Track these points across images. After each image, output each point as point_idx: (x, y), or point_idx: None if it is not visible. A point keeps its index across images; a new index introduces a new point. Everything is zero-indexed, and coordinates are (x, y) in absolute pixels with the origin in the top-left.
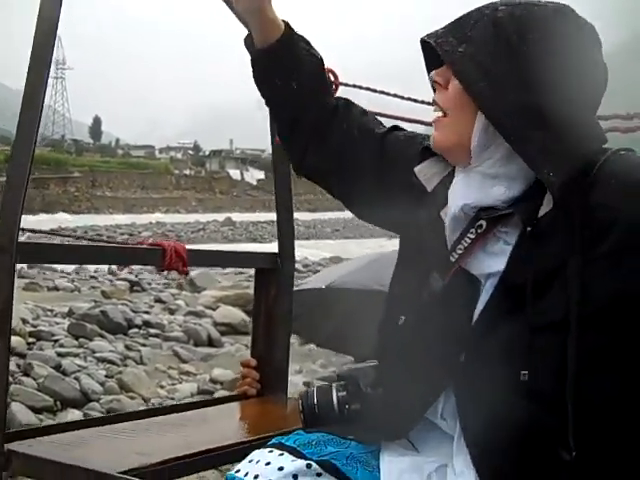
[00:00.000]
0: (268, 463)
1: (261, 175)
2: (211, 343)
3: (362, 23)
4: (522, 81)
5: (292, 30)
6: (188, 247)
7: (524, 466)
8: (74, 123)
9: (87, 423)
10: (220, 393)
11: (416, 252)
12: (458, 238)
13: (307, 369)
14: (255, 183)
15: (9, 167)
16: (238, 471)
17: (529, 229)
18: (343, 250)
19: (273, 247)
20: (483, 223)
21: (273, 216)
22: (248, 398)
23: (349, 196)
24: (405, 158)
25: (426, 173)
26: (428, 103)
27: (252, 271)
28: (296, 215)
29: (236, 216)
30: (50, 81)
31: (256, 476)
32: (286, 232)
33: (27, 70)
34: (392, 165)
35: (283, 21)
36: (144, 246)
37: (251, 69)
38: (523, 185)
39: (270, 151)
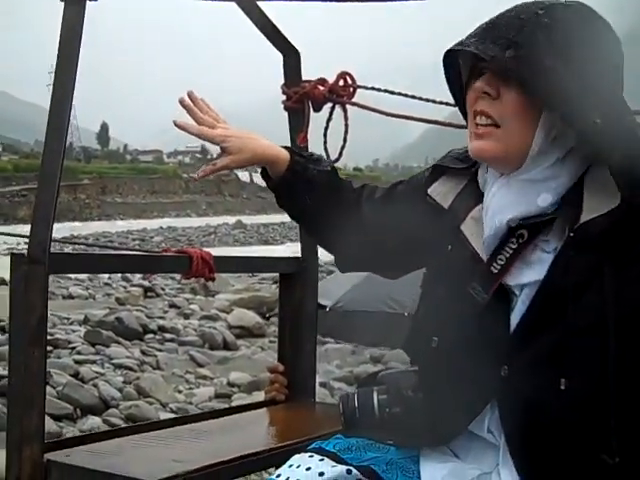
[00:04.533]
0: (308, 468)
1: None
2: (226, 346)
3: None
4: (582, 80)
5: (296, 155)
6: (214, 254)
7: (568, 473)
8: (81, 130)
9: (121, 432)
10: (238, 396)
11: (444, 270)
12: (497, 248)
13: (323, 370)
14: (264, 185)
15: (39, 179)
16: (279, 476)
17: (571, 235)
18: None
19: (285, 249)
20: (524, 233)
21: (284, 218)
22: (277, 403)
23: (391, 268)
24: (414, 196)
25: (440, 192)
26: (433, 101)
27: (265, 274)
28: None
29: (246, 219)
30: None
31: None
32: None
33: (52, 85)
34: (405, 214)
35: (285, 147)
36: (171, 254)
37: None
38: (564, 190)
39: None
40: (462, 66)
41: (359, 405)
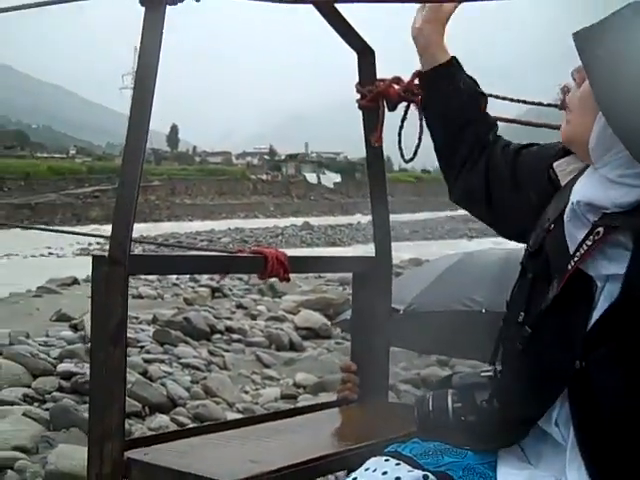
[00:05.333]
0: (385, 472)
1: (338, 178)
2: (293, 347)
3: None
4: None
5: (457, 61)
6: (289, 254)
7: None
8: (152, 132)
9: (198, 430)
10: (303, 397)
11: (539, 247)
12: (578, 246)
13: (390, 372)
14: (332, 186)
15: (120, 182)
16: (355, 479)
17: None
18: (422, 252)
19: (352, 250)
20: (600, 230)
21: (351, 219)
22: (349, 403)
23: (497, 218)
24: (538, 166)
25: (564, 168)
26: (538, 104)
27: (330, 275)
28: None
29: (314, 220)
30: (128, 92)
31: None
32: (382, 234)
33: (133, 90)
34: (527, 173)
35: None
36: (246, 254)
37: (421, 88)
38: None
39: (345, 154)
40: None
41: (433, 408)
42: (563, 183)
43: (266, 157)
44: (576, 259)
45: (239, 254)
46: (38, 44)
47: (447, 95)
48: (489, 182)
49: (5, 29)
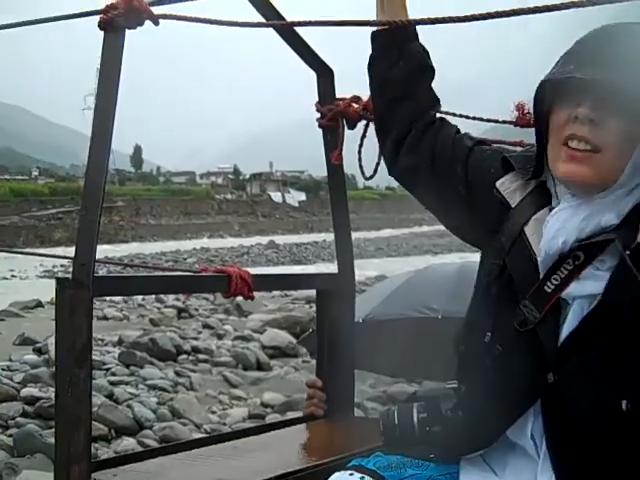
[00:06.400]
0: None
1: (302, 197)
2: (260, 367)
3: None
4: None
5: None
6: (252, 273)
7: None
8: (115, 153)
9: (165, 450)
10: (272, 417)
11: (500, 269)
12: (552, 267)
13: (357, 389)
14: (297, 205)
15: (82, 203)
16: None
17: (628, 253)
18: (388, 269)
19: (317, 268)
20: (581, 255)
21: (316, 237)
22: (316, 419)
23: (437, 203)
24: (488, 172)
25: (508, 187)
26: (495, 121)
27: (296, 293)
28: None
29: (279, 239)
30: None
31: None
32: (345, 252)
33: (94, 111)
34: (478, 177)
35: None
36: (210, 274)
37: (371, 47)
38: (627, 212)
39: (309, 172)
40: (547, 92)
41: (399, 422)
42: (511, 202)
43: (230, 177)
44: (554, 284)
45: (203, 273)
46: None
47: (395, 59)
48: (435, 168)
49: None
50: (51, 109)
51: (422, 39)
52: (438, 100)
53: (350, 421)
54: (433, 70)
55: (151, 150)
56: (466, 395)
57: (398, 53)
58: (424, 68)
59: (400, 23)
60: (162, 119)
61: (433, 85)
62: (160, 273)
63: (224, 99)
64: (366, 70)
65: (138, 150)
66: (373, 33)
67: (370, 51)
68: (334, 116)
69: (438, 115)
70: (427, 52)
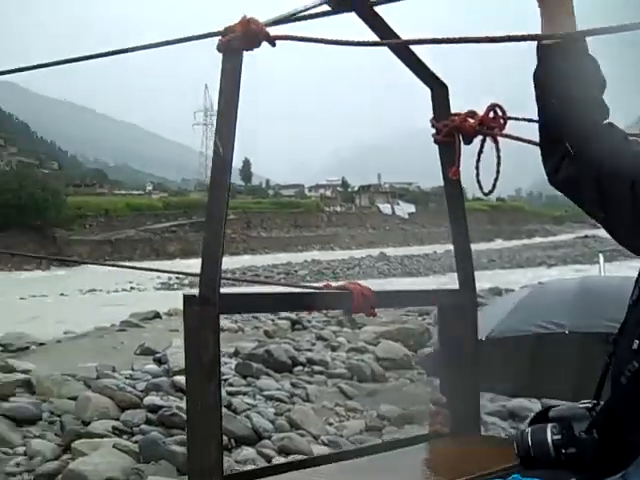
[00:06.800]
0: None
1: (412, 208)
2: (375, 379)
3: None
4: None
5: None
6: (374, 289)
7: None
8: None
9: (292, 465)
10: (389, 429)
11: None
12: None
13: None
14: (406, 217)
15: (206, 220)
16: None
17: None
18: (501, 280)
19: (430, 281)
20: None
21: (427, 249)
22: (440, 437)
23: (603, 212)
24: None
25: None
26: None
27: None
28: (448, 246)
29: (389, 250)
30: (200, 128)
31: None
32: (465, 267)
33: (215, 130)
34: None
35: None
36: (332, 290)
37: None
38: None
39: (418, 184)
40: None
41: (533, 444)
42: None
43: (339, 189)
44: None
45: (326, 290)
46: (113, 86)
47: (570, 72)
48: (602, 178)
49: (90, 76)
50: (163, 126)
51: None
52: (608, 110)
53: (477, 439)
54: (605, 80)
55: (260, 163)
56: (604, 411)
57: (574, 63)
58: (598, 78)
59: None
60: (270, 132)
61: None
62: (282, 290)
63: (331, 111)
64: (533, 76)
65: (247, 164)
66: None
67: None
68: (450, 131)
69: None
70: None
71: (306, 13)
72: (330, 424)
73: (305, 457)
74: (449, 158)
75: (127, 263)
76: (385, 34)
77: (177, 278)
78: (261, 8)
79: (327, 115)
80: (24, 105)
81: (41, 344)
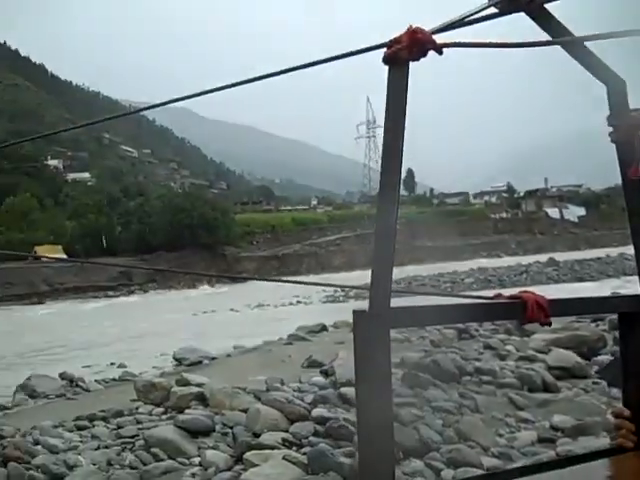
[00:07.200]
0: None
1: (582, 212)
2: (546, 388)
3: None
4: None
5: None
6: (541, 294)
7: None
8: None
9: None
10: (563, 441)
11: None
12: None
13: None
14: (576, 220)
15: (375, 235)
16: None
17: None
18: None
19: (601, 285)
20: None
21: (598, 253)
22: (625, 451)
23: None
24: None
25: None
26: None
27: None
28: (621, 249)
29: (559, 256)
30: (362, 140)
31: None
32: None
33: (383, 143)
34: None
35: None
36: (503, 300)
37: None
38: None
39: (587, 186)
40: None
41: None
42: None
43: (504, 195)
44: None
45: (496, 301)
46: (273, 104)
47: None
48: None
49: (253, 97)
50: (327, 140)
51: None
52: None
53: None
54: None
55: (423, 172)
56: None
57: None
58: None
59: None
60: (433, 140)
61: None
62: (451, 301)
63: (495, 115)
64: None
65: (410, 173)
66: None
67: None
68: (629, 129)
69: None
70: None
71: (471, 18)
72: (500, 435)
73: (480, 474)
74: (628, 157)
75: (293, 278)
76: (557, 32)
77: (342, 291)
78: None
79: (491, 119)
80: (195, 129)
81: (213, 358)
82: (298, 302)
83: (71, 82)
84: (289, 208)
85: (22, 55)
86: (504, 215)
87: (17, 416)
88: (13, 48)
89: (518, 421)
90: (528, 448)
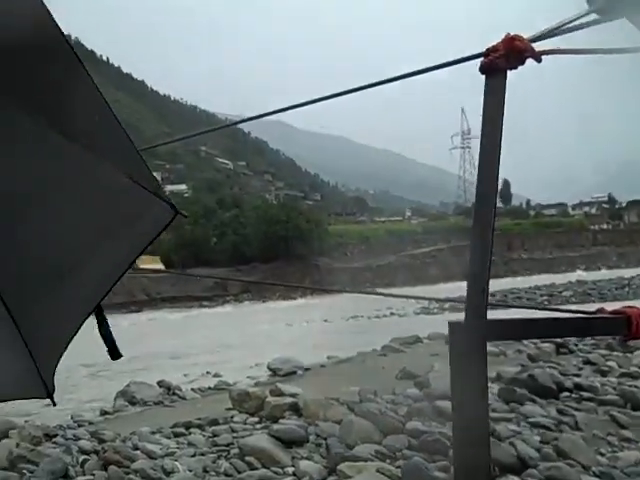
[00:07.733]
0: None
1: None
2: None
3: None
4: None
5: None
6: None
7: None
8: None
9: None
10: None
11: None
12: None
13: None
14: None
15: (471, 248)
16: None
17: None
18: None
19: None
20: None
21: None
22: None
23: None
24: None
25: None
26: None
27: None
28: None
29: None
30: (457, 151)
31: None
32: None
33: (479, 154)
34: None
35: None
36: (605, 315)
37: None
38: None
39: None
40: None
41: None
42: None
43: (605, 206)
44: None
45: (598, 315)
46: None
47: None
48: None
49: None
50: (421, 151)
51: None
52: None
53: None
54: None
55: (519, 183)
56: None
57: None
58: None
59: None
60: (530, 150)
61: None
62: (550, 315)
63: (595, 123)
64: None
65: (506, 185)
66: None
67: None
68: None
69: None
70: None
71: (570, 25)
72: (602, 454)
73: None
74: None
75: (387, 290)
76: None
77: (437, 303)
78: None
79: (591, 128)
80: (289, 141)
81: (307, 369)
82: (392, 314)
83: (169, 96)
84: (383, 219)
85: (124, 72)
86: (604, 226)
87: (117, 421)
88: (116, 65)
89: (621, 440)
90: (632, 468)
